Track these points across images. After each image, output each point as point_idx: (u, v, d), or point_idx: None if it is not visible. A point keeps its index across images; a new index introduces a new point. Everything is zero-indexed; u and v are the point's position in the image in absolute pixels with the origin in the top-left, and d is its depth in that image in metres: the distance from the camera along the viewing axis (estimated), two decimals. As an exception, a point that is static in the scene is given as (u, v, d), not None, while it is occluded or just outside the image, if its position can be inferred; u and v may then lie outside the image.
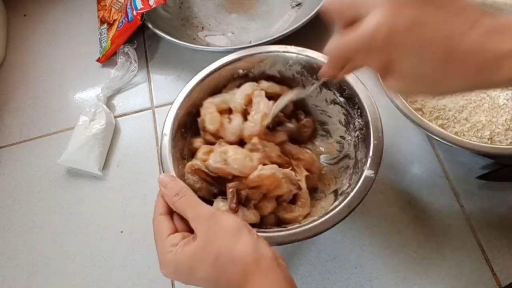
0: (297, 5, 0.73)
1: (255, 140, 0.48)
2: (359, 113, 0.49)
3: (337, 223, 0.42)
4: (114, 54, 0.69)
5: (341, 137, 0.54)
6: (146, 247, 0.54)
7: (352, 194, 0.43)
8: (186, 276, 0.35)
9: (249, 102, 0.52)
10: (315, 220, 0.42)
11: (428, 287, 0.48)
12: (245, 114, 0.51)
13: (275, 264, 0.34)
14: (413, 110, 0.49)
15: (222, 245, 0.34)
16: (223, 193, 0.46)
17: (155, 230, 0.38)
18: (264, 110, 0.50)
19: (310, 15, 0.63)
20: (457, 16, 0.29)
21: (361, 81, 0.49)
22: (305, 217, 0.47)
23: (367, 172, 0.44)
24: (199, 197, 0.40)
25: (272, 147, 0.49)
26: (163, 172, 0.46)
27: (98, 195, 0.58)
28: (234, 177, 0.46)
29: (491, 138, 0.51)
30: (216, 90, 0.54)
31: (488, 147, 0.48)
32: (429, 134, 0.49)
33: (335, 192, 0.49)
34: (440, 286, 0.48)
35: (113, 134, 0.62)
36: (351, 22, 0.32)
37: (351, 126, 0.51)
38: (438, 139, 0.48)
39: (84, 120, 0.61)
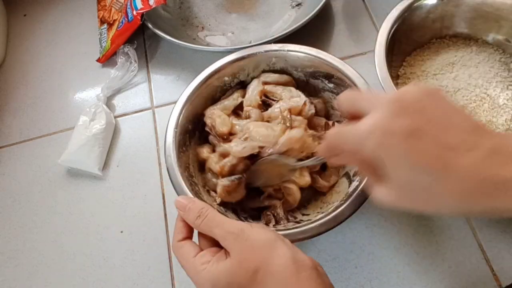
0: (297, 5, 0.73)
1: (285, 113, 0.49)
2: None
3: (364, 202, 0.42)
4: (114, 54, 0.69)
5: (337, 121, 0.54)
6: (146, 247, 0.54)
7: None
8: None
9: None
10: (341, 205, 0.42)
11: (428, 287, 0.48)
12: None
13: (315, 273, 0.33)
14: (413, 110, 0.49)
15: (258, 260, 0.32)
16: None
17: (178, 256, 0.36)
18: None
19: (310, 15, 0.63)
20: (456, 135, 0.28)
21: (352, 67, 0.50)
22: (332, 187, 0.48)
23: None
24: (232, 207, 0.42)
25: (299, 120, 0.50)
26: (177, 193, 0.45)
27: (98, 195, 0.58)
28: (260, 149, 0.46)
29: (491, 138, 0.51)
30: (214, 98, 0.55)
31: (488, 147, 0.48)
32: (429, 134, 0.48)
33: (347, 175, 0.49)
34: (440, 286, 0.48)
35: (113, 134, 0.62)
36: (357, 116, 0.32)
37: None
38: (438, 139, 0.48)
39: (84, 120, 0.61)
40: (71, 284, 0.52)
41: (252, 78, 0.55)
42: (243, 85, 0.56)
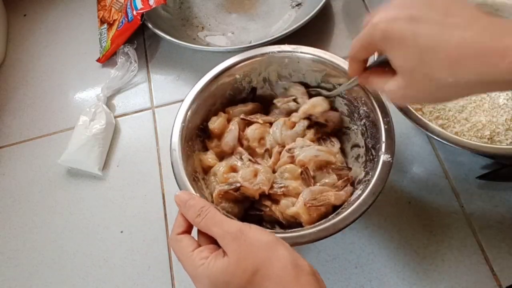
0: (297, 5, 0.73)
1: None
2: (362, 101, 0.49)
3: (365, 211, 0.42)
4: (114, 54, 0.69)
5: (345, 128, 0.54)
6: (146, 247, 0.54)
7: (373, 180, 0.43)
8: None
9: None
10: (342, 212, 0.42)
11: (428, 287, 0.48)
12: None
13: (314, 279, 0.33)
14: (413, 110, 0.49)
15: (257, 262, 0.32)
16: (254, 208, 0.48)
17: (175, 250, 0.36)
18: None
19: (310, 15, 0.63)
20: (455, 16, 0.30)
21: None
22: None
23: (384, 157, 0.44)
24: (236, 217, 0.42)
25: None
26: (179, 189, 0.45)
27: (98, 195, 0.58)
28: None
29: (491, 138, 0.51)
30: (224, 96, 0.54)
31: (488, 147, 0.48)
32: (429, 134, 0.48)
33: (351, 183, 0.49)
34: (440, 286, 0.48)
35: (113, 134, 0.62)
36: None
37: (355, 115, 0.51)
38: (438, 139, 0.48)
39: (84, 120, 0.61)
40: (71, 284, 0.52)
41: (264, 78, 0.55)
42: (254, 93, 0.56)
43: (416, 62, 0.31)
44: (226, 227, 0.34)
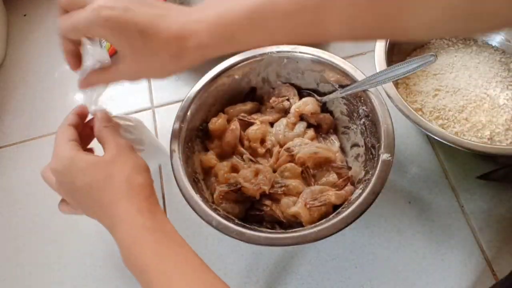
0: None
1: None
2: (362, 101, 0.49)
3: (365, 210, 0.42)
4: (114, 54, 0.69)
5: (345, 127, 0.54)
6: (146, 247, 0.54)
7: (373, 180, 0.43)
8: (72, 177, 0.37)
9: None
10: (343, 211, 0.42)
11: (428, 287, 0.48)
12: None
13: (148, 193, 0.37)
14: (413, 110, 0.49)
15: (122, 171, 0.37)
16: (254, 208, 0.49)
17: (58, 134, 0.40)
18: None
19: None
20: (157, 7, 0.35)
21: (361, 70, 0.50)
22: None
23: (383, 156, 0.44)
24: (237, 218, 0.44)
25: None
26: (180, 189, 0.45)
27: (98, 195, 0.58)
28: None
29: (491, 138, 0.51)
30: (223, 97, 0.55)
31: (488, 147, 0.48)
32: (429, 134, 0.49)
33: (351, 182, 0.49)
34: (440, 286, 0.48)
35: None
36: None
37: (355, 114, 0.52)
38: (438, 139, 0.48)
39: None
40: (71, 284, 0.52)
41: (263, 78, 0.55)
42: (254, 93, 0.57)
43: (140, 43, 0.34)
44: (119, 140, 0.40)
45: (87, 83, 0.42)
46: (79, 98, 0.44)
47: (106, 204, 0.36)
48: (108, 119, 0.42)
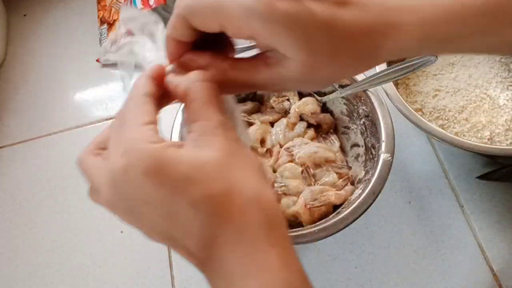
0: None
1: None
2: (362, 101, 0.49)
3: (365, 210, 0.42)
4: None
5: (345, 127, 0.54)
6: (146, 247, 0.54)
7: (373, 179, 0.43)
8: (157, 189, 0.22)
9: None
10: (343, 211, 0.42)
11: (428, 287, 0.48)
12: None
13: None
14: (413, 111, 0.49)
15: (247, 183, 0.23)
16: None
17: (126, 110, 0.25)
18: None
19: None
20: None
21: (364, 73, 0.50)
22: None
23: (383, 156, 0.44)
24: None
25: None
26: None
27: (98, 195, 0.58)
28: None
29: (491, 139, 0.51)
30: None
31: (488, 148, 0.48)
32: (429, 134, 0.49)
33: (351, 182, 0.50)
34: (440, 286, 0.48)
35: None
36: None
37: (355, 114, 0.52)
38: (438, 139, 0.48)
39: None
40: (71, 284, 0.52)
41: None
42: (254, 93, 0.56)
43: (317, 43, 0.24)
44: (223, 120, 0.24)
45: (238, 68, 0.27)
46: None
47: (223, 240, 0.22)
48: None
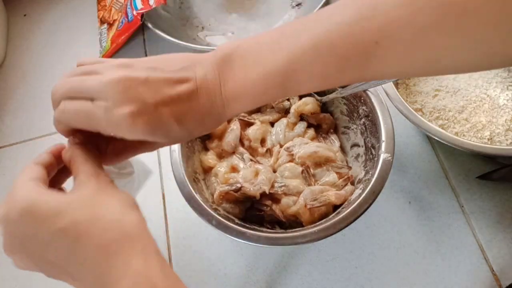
0: (297, 5, 0.73)
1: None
2: (362, 101, 0.49)
3: (365, 210, 0.42)
4: (114, 54, 0.69)
5: (345, 127, 0.54)
6: (146, 247, 0.54)
7: (373, 179, 0.43)
8: (33, 226, 0.27)
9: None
10: (343, 211, 0.42)
11: (428, 287, 0.48)
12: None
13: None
14: (413, 111, 0.49)
15: (112, 209, 0.28)
16: (254, 208, 0.48)
17: (19, 174, 0.31)
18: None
19: (310, 15, 0.63)
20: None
21: None
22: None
23: (384, 156, 0.44)
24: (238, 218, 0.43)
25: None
26: (180, 190, 0.45)
27: (98, 195, 0.58)
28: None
29: (491, 139, 0.51)
30: None
31: (488, 148, 0.48)
32: (429, 134, 0.49)
33: (352, 182, 0.50)
34: (440, 286, 0.48)
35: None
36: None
37: (355, 114, 0.52)
38: (438, 139, 0.48)
39: None
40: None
41: None
42: None
43: (177, 131, 0.31)
44: (95, 169, 0.31)
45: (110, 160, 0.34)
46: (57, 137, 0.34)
47: (91, 257, 0.27)
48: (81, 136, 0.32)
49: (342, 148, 0.54)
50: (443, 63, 0.29)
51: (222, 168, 0.49)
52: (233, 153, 0.52)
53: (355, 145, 0.52)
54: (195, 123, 0.31)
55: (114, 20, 0.71)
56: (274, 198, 0.48)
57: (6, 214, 0.28)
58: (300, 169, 0.49)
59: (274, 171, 0.50)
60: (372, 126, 0.48)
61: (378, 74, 0.31)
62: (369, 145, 0.49)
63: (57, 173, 0.33)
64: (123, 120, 0.28)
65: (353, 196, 0.46)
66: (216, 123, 0.33)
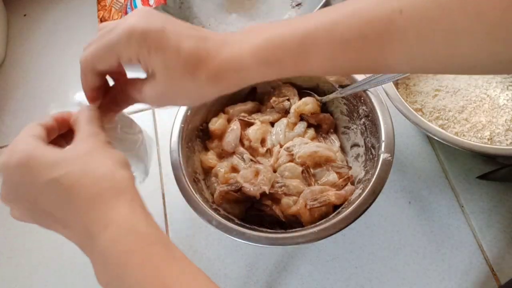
0: (297, 5, 0.73)
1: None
2: (362, 101, 0.49)
3: (365, 210, 0.42)
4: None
5: (345, 127, 0.54)
6: (146, 247, 0.54)
7: (373, 179, 0.43)
8: (30, 174, 0.30)
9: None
10: (343, 211, 0.42)
11: (428, 287, 0.48)
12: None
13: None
14: (413, 111, 0.49)
15: (103, 164, 0.31)
16: (254, 208, 0.48)
17: (21, 132, 0.33)
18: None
19: (310, 15, 0.63)
20: (195, 29, 0.33)
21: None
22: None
23: (383, 156, 0.44)
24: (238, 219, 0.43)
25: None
26: (179, 189, 0.45)
27: (98, 195, 0.58)
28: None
29: (491, 139, 0.51)
30: (223, 96, 0.54)
31: (488, 147, 0.48)
32: (429, 134, 0.49)
33: (352, 182, 0.50)
34: (440, 286, 0.48)
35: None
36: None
37: (355, 114, 0.52)
38: (438, 139, 0.48)
39: None
40: (71, 284, 0.52)
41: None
42: (255, 93, 0.57)
43: (176, 62, 0.31)
44: (96, 129, 0.33)
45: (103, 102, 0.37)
46: (78, 97, 0.37)
47: (81, 205, 0.29)
48: (95, 109, 0.36)
49: (342, 148, 0.54)
50: (461, 50, 0.28)
51: (222, 168, 0.49)
52: (233, 153, 0.52)
53: (355, 145, 0.52)
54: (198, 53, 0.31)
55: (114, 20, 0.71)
56: (274, 198, 0.48)
57: (5, 162, 0.30)
58: (300, 169, 0.49)
59: (274, 171, 0.50)
60: (372, 126, 0.48)
61: (395, 57, 0.30)
62: (369, 145, 0.49)
63: (58, 137, 0.35)
64: (130, 26, 0.30)
65: (353, 196, 0.46)
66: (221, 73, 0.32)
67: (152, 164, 0.60)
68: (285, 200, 0.47)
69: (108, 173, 0.30)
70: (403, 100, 0.50)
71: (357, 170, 0.50)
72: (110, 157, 0.31)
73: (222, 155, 0.52)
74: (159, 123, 0.63)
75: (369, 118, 0.49)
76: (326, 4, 0.65)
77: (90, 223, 0.29)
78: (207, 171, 0.51)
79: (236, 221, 0.45)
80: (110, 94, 0.38)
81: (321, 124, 0.54)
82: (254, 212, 0.48)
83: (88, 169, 0.30)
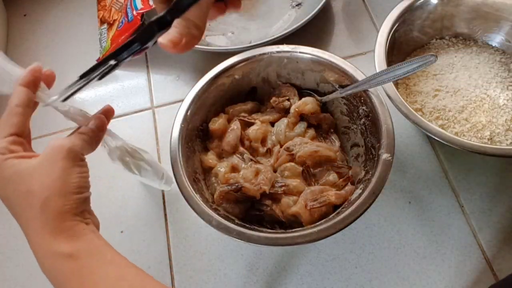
0: (297, 5, 0.73)
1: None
2: (362, 100, 0.49)
3: (365, 210, 0.42)
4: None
5: (345, 127, 0.54)
6: (146, 247, 0.54)
7: (373, 179, 0.43)
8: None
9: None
10: (343, 211, 0.42)
11: (428, 287, 0.48)
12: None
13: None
14: (413, 110, 0.49)
15: (42, 188, 0.32)
16: (254, 208, 0.48)
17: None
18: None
19: (310, 15, 0.63)
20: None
21: (361, 70, 0.50)
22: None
23: (384, 156, 0.44)
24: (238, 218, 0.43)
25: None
26: (179, 189, 0.45)
27: (98, 195, 0.58)
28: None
29: (491, 139, 0.51)
30: (223, 97, 0.54)
31: (488, 147, 0.48)
32: (429, 134, 0.49)
33: (352, 182, 0.50)
34: (440, 286, 0.48)
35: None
36: None
37: (355, 114, 0.52)
38: (438, 139, 0.48)
39: None
40: (71, 284, 0.52)
41: (263, 78, 0.55)
42: (255, 93, 0.57)
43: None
44: (62, 141, 0.36)
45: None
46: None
47: (22, 224, 0.33)
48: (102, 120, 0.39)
49: (342, 148, 0.54)
50: None
51: (222, 168, 0.49)
52: (233, 153, 0.52)
53: (355, 145, 0.52)
54: None
55: (114, 20, 0.71)
56: (274, 198, 0.48)
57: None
58: (300, 169, 0.49)
59: (274, 171, 0.50)
60: (372, 126, 0.48)
61: None
62: (369, 145, 0.49)
63: None
64: None
65: (353, 196, 0.46)
66: None
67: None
68: (285, 200, 0.47)
69: (42, 201, 0.32)
70: (403, 100, 0.50)
71: (357, 170, 0.50)
72: (52, 178, 0.33)
73: (222, 155, 0.52)
74: (159, 123, 0.63)
75: (369, 118, 0.49)
76: (326, 5, 0.65)
77: (35, 239, 0.33)
78: (207, 171, 0.51)
79: (236, 221, 0.45)
80: None
81: (321, 124, 0.54)
82: (254, 212, 0.48)
83: (30, 193, 0.32)
